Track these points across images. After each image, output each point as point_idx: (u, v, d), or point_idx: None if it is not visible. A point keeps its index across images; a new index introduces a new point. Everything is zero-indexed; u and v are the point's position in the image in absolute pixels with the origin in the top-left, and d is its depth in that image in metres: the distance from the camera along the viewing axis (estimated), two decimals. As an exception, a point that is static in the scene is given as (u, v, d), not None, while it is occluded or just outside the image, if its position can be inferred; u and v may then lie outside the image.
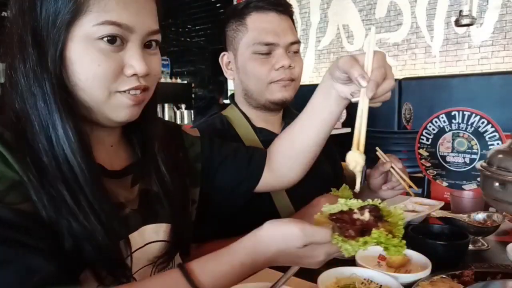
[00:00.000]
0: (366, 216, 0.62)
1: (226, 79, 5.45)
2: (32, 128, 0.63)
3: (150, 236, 0.76)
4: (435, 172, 1.38)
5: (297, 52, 1.20)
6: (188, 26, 7.60)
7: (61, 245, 0.61)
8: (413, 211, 1.26)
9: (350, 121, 3.69)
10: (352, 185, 1.24)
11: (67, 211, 0.61)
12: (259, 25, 1.14)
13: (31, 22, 0.63)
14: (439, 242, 0.89)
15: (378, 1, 4.36)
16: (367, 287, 0.79)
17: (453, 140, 1.33)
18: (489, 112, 1.27)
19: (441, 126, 1.35)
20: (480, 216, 1.07)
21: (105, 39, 0.63)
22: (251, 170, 0.99)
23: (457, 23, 3.20)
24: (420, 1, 4.11)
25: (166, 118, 5.46)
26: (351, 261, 0.87)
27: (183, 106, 5.71)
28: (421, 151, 1.40)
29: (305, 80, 4.91)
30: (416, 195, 1.31)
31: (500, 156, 0.62)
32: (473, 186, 1.31)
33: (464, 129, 1.31)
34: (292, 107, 1.34)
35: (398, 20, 4.27)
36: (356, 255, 0.87)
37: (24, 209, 0.58)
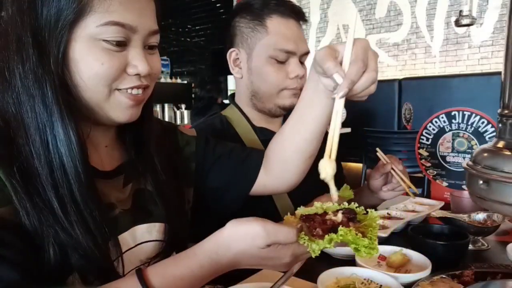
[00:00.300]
0: (339, 217, 0.61)
1: (224, 79, 5.48)
2: (25, 133, 0.62)
3: (143, 236, 0.75)
4: (435, 172, 1.38)
5: (304, 62, 1.20)
6: (188, 26, 7.61)
7: (37, 251, 0.60)
8: (413, 211, 1.26)
9: (350, 120, 3.69)
10: (352, 185, 1.24)
11: (54, 219, 0.60)
12: (280, 30, 1.13)
13: (30, 22, 0.62)
14: (439, 242, 0.89)
15: (378, 1, 4.36)
16: (367, 287, 0.79)
17: (453, 140, 1.33)
18: (489, 112, 1.27)
19: (441, 126, 1.35)
20: (480, 216, 1.07)
21: (110, 40, 0.64)
22: (245, 170, 0.96)
23: (457, 23, 3.19)
24: (420, 1, 4.11)
25: (166, 118, 5.45)
26: (351, 261, 0.87)
27: (183, 106, 5.71)
28: (421, 151, 1.40)
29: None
30: (416, 196, 1.31)
31: (485, 154, 0.62)
32: (473, 186, 1.31)
33: (464, 129, 1.31)
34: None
35: (398, 20, 4.27)
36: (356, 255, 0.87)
37: None
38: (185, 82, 6.46)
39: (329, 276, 0.80)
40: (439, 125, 1.35)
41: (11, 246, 0.57)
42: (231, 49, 1.21)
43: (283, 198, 1.18)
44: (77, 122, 0.65)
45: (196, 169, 0.94)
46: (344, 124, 3.80)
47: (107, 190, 0.73)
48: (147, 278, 0.60)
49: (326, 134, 0.67)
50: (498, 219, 1.05)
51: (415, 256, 0.89)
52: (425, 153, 1.39)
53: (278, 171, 0.94)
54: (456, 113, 1.32)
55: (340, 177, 1.42)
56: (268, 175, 0.96)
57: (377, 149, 1.24)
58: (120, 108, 0.69)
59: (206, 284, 0.65)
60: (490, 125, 1.26)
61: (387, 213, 1.23)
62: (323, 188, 1.10)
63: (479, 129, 1.28)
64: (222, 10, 6.78)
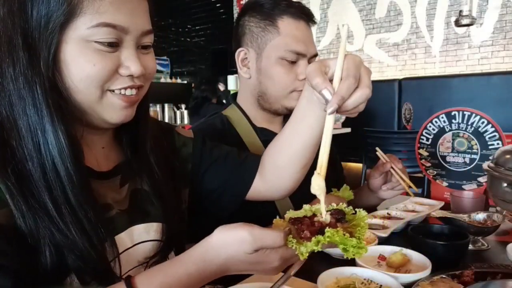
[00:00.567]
0: (327, 218, 0.60)
1: (224, 79, 5.48)
2: (18, 135, 0.62)
3: (140, 236, 0.75)
4: (435, 172, 1.38)
5: None
6: (188, 26, 7.61)
7: (32, 255, 0.59)
8: (413, 211, 1.26)
9: (350, 120, 3.69)
10: (352, 185, 1.25)
11: (49, 220, 0.60)
12: (291, 32, 1.13)
13: (21, 23, 0.61)
14: (439, 242, 0.89)
15: (378, 1, 4.36)
16: (367, 287, 0.79)
17: (453, 140, 1.34)
18: (489, 112, 1.28)
19: (441, 126, 1.35)
20: (480, 216, 1.07)
21: (102, 42, 0.63)
22: (241, 175, 0.96)
23: (457, 23, 3.20)
24: (420, 1, 4.11)
25: (166, 118, 5.46)
26: (351, 261, 0.87)
27: (183, 106, 5.71)
28: (421, 151, 1.40)
29: (305, 80, 4.89)
30: (416, 195, 1.31)
31: (508, 156, 0.61)
32: (473, 186, 1.31)
33: (464, 129, 1.31)
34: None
35: (398, 20, 4.27)
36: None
37: None
38: (185, 82, 6.46)
39: (329, 276, 0.80)
40: (439, 125, 1.35)
41: (3, 253, 0.57)
42: (240, 49, 1.20)
43: (284, 199, 1.17)
44: (69, 124, 0.64)
45: (192, 170, 0.93)
46: (344, 124, 3.81)
47: (104, 191, 0.72)
48: (135, 286, 0.60)
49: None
50: (498, 219, 1.05)
51: (415, 256, 0.89)
52: (425, 153, 1.39)
53: (272, 178, 0.93)
54: (456, 113, 1.32)
55: (340, 177, 1.42)
56: (263, 181, 0.95)
57: (377, 148, 1.24)
58: (113, 110, 0.68)
59: (206, 284, 0.65)
60: (490, 125, 1.27)
61: (387, 213, 1.23)
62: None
63: (479, 129, 1.28)
64: (222, 10, 6.79)
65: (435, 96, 3.63)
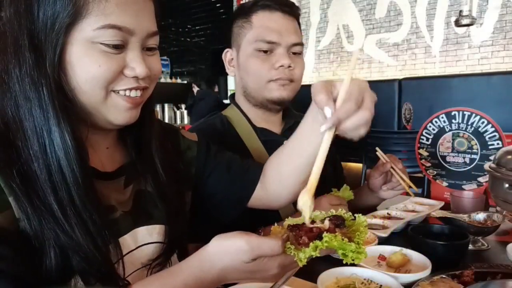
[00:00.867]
0: (326, 224, 0.60)
1: (224, 80, 5.49)
2: (23, 136, 0.62)
3: (143, 238, 0.75)
4: (435, 172, 1.38)
5: (299, 54, 1.20)
6: (188, 26, 7.61)
7: (36, 257, 0.59)
8: (413, 211, 1.26)
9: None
10: (352, 185, 1.25)
11: (54, 222, 0.60)
12: (263, 23, 1.15)
13: (27, 25, 0.61)
14: (439, 242, 0.89)
15: (378, 1, 4.36)
16: (367, 287, 0.79)
17: (453, 140, 1.33)
18: (489, 112, 1.28)
19: (441, 126, 1.35)
20: (480, 216, 1.07)
21: (107, 43, 0.63)
22: (243, 183, 0.96)
23: (457, 23, 3.19)
24: (420, 1, 4.11)
25: (166, 118, 5.47)
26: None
27: (183, 106, 5.71)
28: (421, 151, 1.40)
29: (305, 80, 4.87)
30: (416, 195, 1.31)
31: (510, 157, 0.61)
32: (473, 186, 1.31)
33: (464, 129, 1.31)
34: (293, 109, 1.34)
35: (398, 20, 4.27)
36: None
37: None
38: (185, 82, 6.47)
39: (329, 276, 0.80)
40: (439, 125, 1.35)
41: (3, 258, 0.57)
42: (226, 50, 1.26)
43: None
44: (75, 125, 0.64)
45: (196, 174, 0.94)
46: (344, 124, 3.80)
47: (108, 192, 0.72)
48: None
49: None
50: (498, 219, 1.05)
51: (415, 256, 0.89)
52: (425, 153, 1.39)
53: (274, 188, 0.94)
54: (456, 113, 1.32)
55: (340, 177, 1.43)
56: (265, 191, 0.95)
57: (377, 148, 1.24)
58: (117, 111, 0.68)
59: None
60: (490, 125, 1.27)
61: (387, 213, 1.23)
62: (323, 189, 1.10)
63: (479, 129, 1.28)
64: (222, 10, 6.78)
65: (435, 96, 3.62)
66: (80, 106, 0.66)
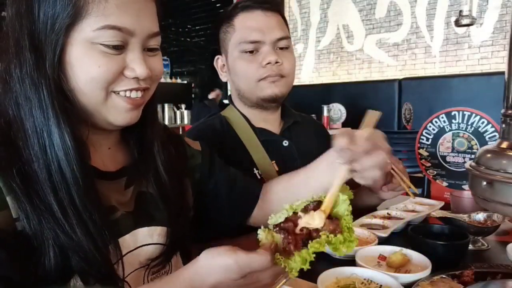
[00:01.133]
0: (315, 219, 0.59)
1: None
2: (24, 135, 0.62)
3: (144, 239, 0.75)
4: (435, 172, 1.38)
5: (287, 48, 1.20)
6: (188, 26, 7.60)
7: (34, 257, 0.59)
8: (413, 211, 1.26)
9: (350, 121, 3.69)
10: (352, 185, 1.24)
11: (54, 222, 0.60)
12: (244, 24, 1.16)
13: (28, 25, 0.61)
14: (439, 242, 0.89)
15: (378, 1, 4.36)
16: (367, 287, 0.78)
17: (453, 140, 1.33)
18: (489, 112, 1.27)
19: (441, 126, 1.35)
20: (480, 216, 1.07)
21: (107, 44, 0.63)
22: (243, 201, 0.97)
23: (457, 23, 3.19)
24: (420, 1, 4.11)
25: (166, 118, 5.47)
26: (351, 261, 0.87)
27: (183, 106, 5.72)
28: (421, 151, 1.40)
29: (305, 80, 4.90)
30: (416, 196, 1.31)
31: (489, 155, 0.62)
32: (473, 186, 1.31)
33: (464, 129, 1.31)
34: (292, 108, 1.34)
35: (398, 20, 4.27)
36: (356, 255, 0.87)
37: None
38: (185, 82, 6.47)
39: (329, 276, 0.79)
40: (439, 125, 1.35)
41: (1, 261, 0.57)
42: (216, 57, 1.27)
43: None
44: (75, 126, 0.64)
45: (200, 180, 0.94)
46: (344, 124, 3.81)
47: (108, 192, 0.72)
48: None
49: None
50: (498, 219, 1.05)
51: (415, 256, 0.89)
52: (425, 153, 1.39)
53: (272, 210, 0.94)
54: (456, 113, 1.32)
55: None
56: (261, 211, 0.96)
57: (377, 149, 1.24)
58: (117, 112, 0.68)
59: None
60: (490, 125, 1.26)
61: (387, 213, 1.23)
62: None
63: (479, 129, 1.28)
64: (222, 10, 6.78)
65: (435, 96, 3.62)
66: (80, 107, 0.66)
